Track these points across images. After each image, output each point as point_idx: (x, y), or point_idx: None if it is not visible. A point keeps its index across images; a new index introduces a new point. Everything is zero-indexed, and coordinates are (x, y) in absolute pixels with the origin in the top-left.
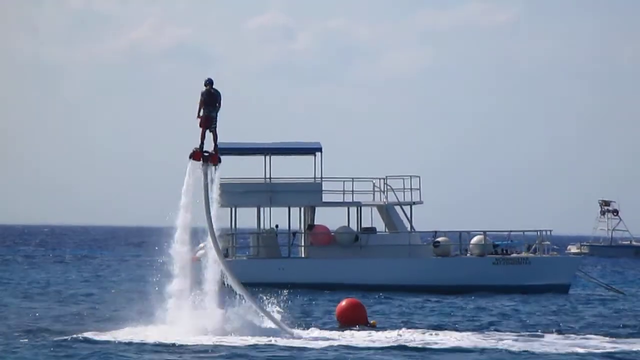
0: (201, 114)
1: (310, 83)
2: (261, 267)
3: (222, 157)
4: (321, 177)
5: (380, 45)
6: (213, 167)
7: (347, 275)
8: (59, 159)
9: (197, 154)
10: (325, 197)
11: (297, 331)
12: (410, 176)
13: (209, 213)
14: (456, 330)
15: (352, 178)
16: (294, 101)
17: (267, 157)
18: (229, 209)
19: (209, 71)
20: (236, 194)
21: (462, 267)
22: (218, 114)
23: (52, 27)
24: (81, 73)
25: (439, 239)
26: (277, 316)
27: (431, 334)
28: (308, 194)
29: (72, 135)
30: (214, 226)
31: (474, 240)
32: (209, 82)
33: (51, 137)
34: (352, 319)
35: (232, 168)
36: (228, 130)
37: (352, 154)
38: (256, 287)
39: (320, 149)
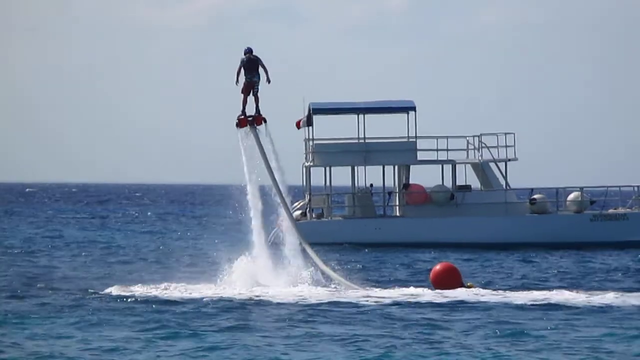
0: (240, 80)
1: (400, 40)
2: (357, 226)
3: (316, 117)
4: (415, 136)
5: (469, 2)
6: (264, 127)
7: (443, 234)
8: (146, 117)
9: (243, 121)
10: (420, 156)
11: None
12: (505, 133)
13: (272, 173)
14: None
15: (447, 136)
16: (385, 59)
17: (361, 116)
18: (324, 168)
19: (297, 31)
20: (330, 154)
21: (559, 223)
22: (269, 75)
23: None
24: (169, 34)
25: (536, 196)
26: (342, 276)
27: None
28: (402, 153)
29: (159, 94)
30: (278, 182)
31: (571, 196)
32: (249, 51)
33: (138, 97)
34: (447, 284)
35: (326, 128)
36: (320, 90)
37: (445, 111)
38: (352, 246)
39: (414, 108)
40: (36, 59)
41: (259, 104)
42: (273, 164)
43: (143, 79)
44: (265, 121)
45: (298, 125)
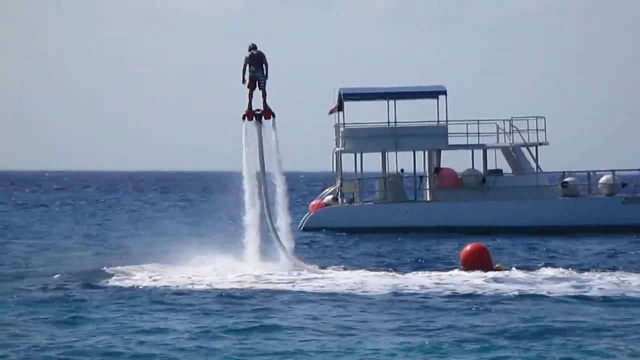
0: (246, 76)
1: (430, 26)
2: (388, 211)
3: (347, 103)
4: (446, 120)
5: None
6: (271, 122)
7: (475, 218)
8: (168, 112)
9: (250, 114)
10: (451, 140)
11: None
12: (536, 117)
13: (264, 169)
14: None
15: (477, 120)
16: (416, 45)
17: (392, 102)
18: (354, 154)
19: (328, 16)
20: (361, 139)
21: (591, 207)
22: (267, 72)
23: None
24: (201, 20)
25: (567, 179)
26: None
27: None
28: (433, 138)
29: (194, 77)
30: (276, 175)
31: (603, 179)
32: (253, 47)
33: (165, 87)
34: (477, 264)
35: (357, 113)
36: (351, 76)
37: (476, 96)
38: (384, 231)
39: (444, 92)
40: (29, 50)
41: (266, 99)
42: (274, 158)
43: (177, 62)
44: (273, 115)
45: (332, 112)
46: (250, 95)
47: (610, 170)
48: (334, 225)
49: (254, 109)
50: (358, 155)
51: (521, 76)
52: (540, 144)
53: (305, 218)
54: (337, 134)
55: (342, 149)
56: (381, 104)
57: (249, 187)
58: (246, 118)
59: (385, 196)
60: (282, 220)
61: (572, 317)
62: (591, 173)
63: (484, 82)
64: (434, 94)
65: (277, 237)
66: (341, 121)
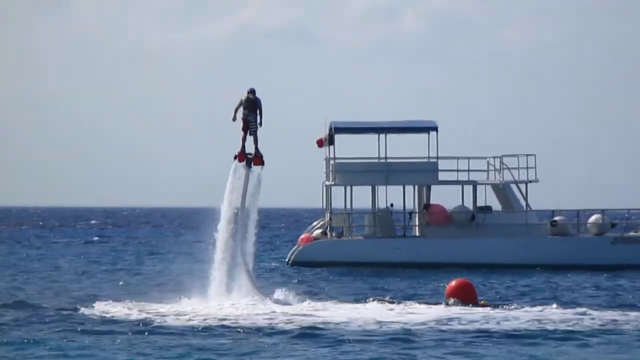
0: (238, 116)
1: (420, 60)
2: (377, 246)
3: (338, 137)
4: (437, 156)
5: (488, 21)
6: (259, 169)
7: (464, 255)
8: (152, 146)
9: (240, 156)
10: (441, 176)
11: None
12: (526, 154)
13: (244, 208)
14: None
15: (468, 157)
16: (405, 79)
17: (383, 136)
18: (344, 188)
19: (312, 52)
20: (352, 173)
21: (579, 246)
22: (262, 119)
23: (157, 9)
24: (185, 57)
25: (556, 218)
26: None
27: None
28: (423, 173)
29: (171, 119)
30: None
31: (592, 219)
32: (252, 91)
33: (151, 122)
34: (462, 299)
35: (348, 147)
36: (339, 110)
37: (467, 132)
38: (372, 266)
39: (435, 128)
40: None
41: (258, 144)
42: (253, 208)
43: (158, 104)
44: (262, 163)
45: (320, 144)
46: (244, 138)
47: (600, 210)
48: (323, 260)
49: (247, 151)
50: (348, 189)
51: (512, 113)
52: (530, 181)
53: (294, 251)
54: (328, 167)
55: (332, 182)
56: (372, 138)
57: (224, 221)
58: (237, 158)
59: (375, 231)
60: (249, 258)
61: None
62: (580, 212)
63: (474, 118)
64: (425, 129)
65: (248, 270)
66: (332, 155)
